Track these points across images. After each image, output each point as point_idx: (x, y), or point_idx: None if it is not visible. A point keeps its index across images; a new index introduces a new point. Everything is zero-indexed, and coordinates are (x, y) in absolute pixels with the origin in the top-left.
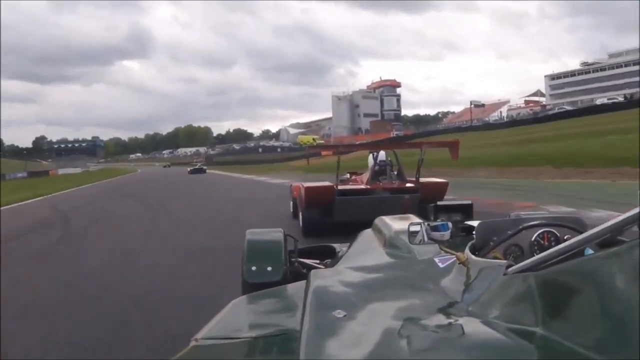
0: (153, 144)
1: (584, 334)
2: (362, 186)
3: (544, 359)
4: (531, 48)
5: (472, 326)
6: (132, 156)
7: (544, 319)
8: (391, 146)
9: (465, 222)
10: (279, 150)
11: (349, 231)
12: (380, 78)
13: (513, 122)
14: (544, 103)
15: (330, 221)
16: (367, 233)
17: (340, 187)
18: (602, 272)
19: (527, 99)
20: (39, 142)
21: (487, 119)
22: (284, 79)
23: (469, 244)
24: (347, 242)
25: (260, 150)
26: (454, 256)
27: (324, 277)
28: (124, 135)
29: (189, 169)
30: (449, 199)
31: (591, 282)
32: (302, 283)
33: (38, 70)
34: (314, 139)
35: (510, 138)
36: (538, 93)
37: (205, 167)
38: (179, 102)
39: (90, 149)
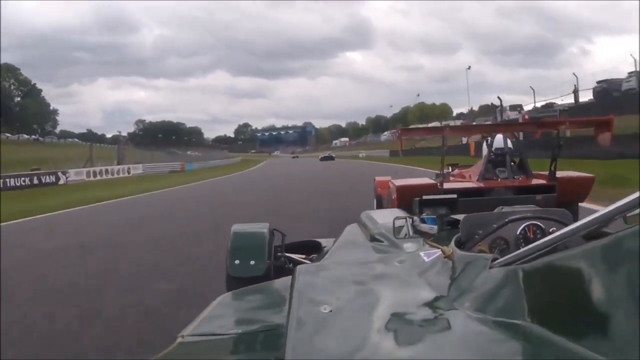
0: (376, 127)
1: (569, 326)
2: (474, 184)
3: (529, 351)
4: None
5: (458, 320)
6: (336, 142)
7: (529, 312)
8: (511, 128)
9: (451, 216)
10: None
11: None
12: None
13: None
14: None
15: None
16: (353, 228)
17: (446, 186)
18: (588, 264)
19: None
20: (242, 130)
21: None
22: (511, 62)
23: (455, 237)
24: (333, 237)
25: None
26: (439, 250)
27: (309, 273)
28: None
29: (320, 157)
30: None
31: (577, 274)
32: (288, 279)
33: (264, 66)
34: None
35: None
36: None
37: (334, 155)
38: (404, 91)
39: (301, 135)
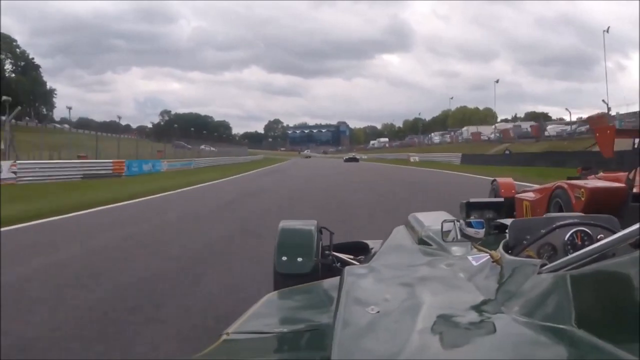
0: (414, 129)
1: (617, 333)
2: None
3: (576, 356)
4: None
5: (506, 324)
6: (374, 142)
7: (577, 318)
8: None
9: (497, 220)
10: None
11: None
12: None
13: None
14: None
15: None
16: (400, 230)
17: (635, 191)
18: (637, 272)
19: None
20: (271, 126)
21: None
22: (548, 73)
23: (502, 242)
24: (380, 239)
25: None
26: (487, 254)
27: (357, 274)
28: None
29: (344, 158)
30: None
31: (625, 281)
32: (335, 279)
33: (301, 64)
34: None
35: None
36: None
37: (358, 157)
38: (440, 97)
39: (334, 135)
